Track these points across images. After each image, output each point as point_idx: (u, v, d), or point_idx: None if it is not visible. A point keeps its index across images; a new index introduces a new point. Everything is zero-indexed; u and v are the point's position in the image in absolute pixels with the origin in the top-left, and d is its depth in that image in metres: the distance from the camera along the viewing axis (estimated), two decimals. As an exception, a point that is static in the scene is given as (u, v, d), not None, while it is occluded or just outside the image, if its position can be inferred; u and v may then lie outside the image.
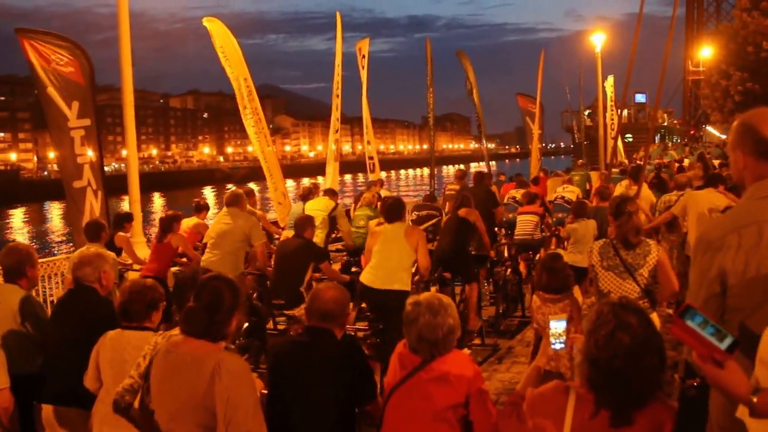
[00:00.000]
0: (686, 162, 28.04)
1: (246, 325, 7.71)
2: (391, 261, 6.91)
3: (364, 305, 7.18)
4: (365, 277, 7.05)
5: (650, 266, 4.66)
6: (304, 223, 7.82)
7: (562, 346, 2.94)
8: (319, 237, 9.31)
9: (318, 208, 10.25)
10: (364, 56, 17.96)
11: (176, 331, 3.46)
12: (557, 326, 2.96)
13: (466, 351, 8.11)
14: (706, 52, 27.39)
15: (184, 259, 8.84)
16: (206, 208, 10.84)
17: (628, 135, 59.16)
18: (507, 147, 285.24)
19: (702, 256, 2.43)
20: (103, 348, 4.01)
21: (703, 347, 1.97)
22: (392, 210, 7.28)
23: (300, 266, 7.47)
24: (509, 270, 10.18)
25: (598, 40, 25.46)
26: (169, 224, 8.45)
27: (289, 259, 7.56)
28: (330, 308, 3.72)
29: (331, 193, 11.46)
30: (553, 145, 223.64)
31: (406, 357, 3.45)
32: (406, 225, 7.25)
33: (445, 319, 3.32)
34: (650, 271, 4.67)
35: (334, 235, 11.26)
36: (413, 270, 7.35)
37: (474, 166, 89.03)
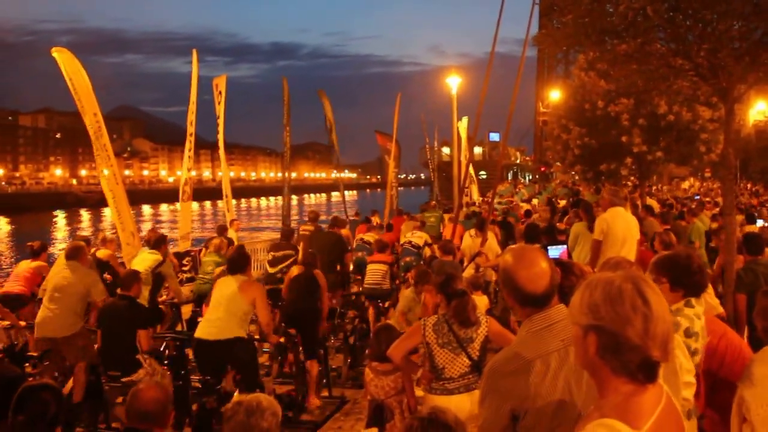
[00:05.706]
0: (535, 201, 29.35)
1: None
2: (225, 312, 6.79)
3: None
4: (200, 331, 6.88)
5: (481, 338, 4.77)
6: (130, 279, 7.43)
7: None
8: (144, 296, 8.54)
9: (142, 265, 9.26)
10: (220, 92, 17.72)
11: None
12: None
13: (317, 402, 8.07)
14: (555, 95, 28.63)
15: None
16: (44, 249, 10.25)
17: (482, 172, 61.46)
18: (368, 176, 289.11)
19: (495, 386, 2.51)
20: None
21: None
22: (232, 262, 7.28)
23: (129, 331, 6.99)
24: (357, 320, 10.22)
25: (454, 82, 25.16)
26: None
27: (116, 324, 7.04)
28: (150, 409, 3.69)
29: (158, 243, 9.95)
30: (414, 176, 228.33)
31: None
32: (243, 279, 7.02)
33: (258, 422, 3.20)
34: (482, 343, 4.77)
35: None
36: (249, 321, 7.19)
37: (335, 196, 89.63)
